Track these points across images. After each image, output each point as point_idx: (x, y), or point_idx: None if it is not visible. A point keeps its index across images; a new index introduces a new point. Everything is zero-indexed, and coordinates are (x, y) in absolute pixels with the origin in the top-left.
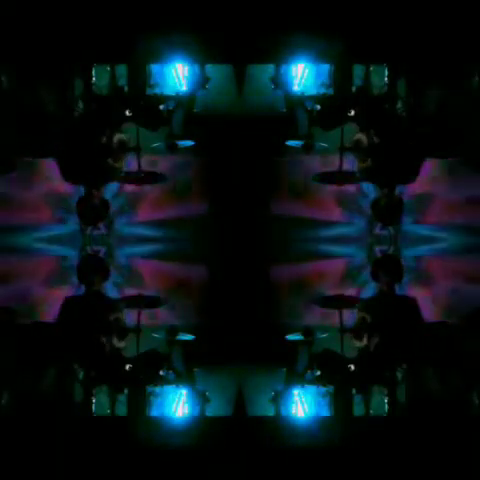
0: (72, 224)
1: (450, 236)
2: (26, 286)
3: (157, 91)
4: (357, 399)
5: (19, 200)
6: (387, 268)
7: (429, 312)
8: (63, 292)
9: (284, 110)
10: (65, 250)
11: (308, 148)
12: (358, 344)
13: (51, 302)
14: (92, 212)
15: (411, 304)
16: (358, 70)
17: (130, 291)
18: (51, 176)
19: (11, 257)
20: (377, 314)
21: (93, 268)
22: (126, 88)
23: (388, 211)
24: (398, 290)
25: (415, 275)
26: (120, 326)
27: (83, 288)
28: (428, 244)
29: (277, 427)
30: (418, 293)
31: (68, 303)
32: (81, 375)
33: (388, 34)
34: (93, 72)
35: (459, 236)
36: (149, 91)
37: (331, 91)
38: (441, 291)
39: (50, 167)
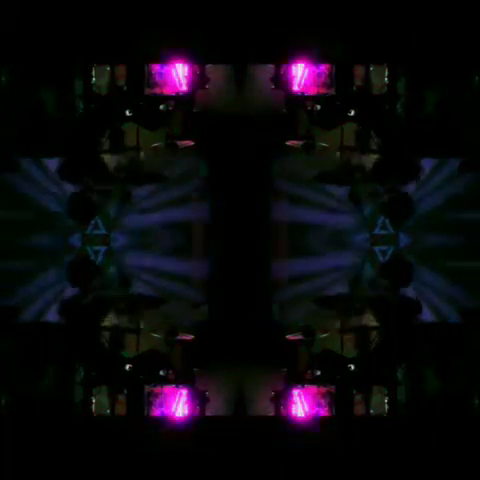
0: (72, 224)
1: (450, 236)
2: (26, 286)
3: (157, 91)
4: (357, 399)
5: (19, 199)
6: (385, 268)
7: (429, 312)
8: (62, 292)
9: (284, 110)
10: (64, 250)
11: (308, 148)
12: (358, 343)
13: (51, 302)
14: (92, 211)
15: (411, 304)
16: (358, 70)
17: (130, 291)
18: (51, 175)
19: (10, 257)
20: (377, 314)
21: (84, 270)
22: (126, 88)
23: (387, 210)
24: (398, 290)
25: (415, 275)
26: (120, 326)
27: (83, 288)
28: (428, 244)
29: (277, 427)
30: (418, 293)
31: (67, 303)
32: (81, 375)
33: (388, 34)
34: (93, 72)
35: (459, 236)
36: (148, 91)
37: (331, 91)
38: (441, 291)
39: (50, 167)
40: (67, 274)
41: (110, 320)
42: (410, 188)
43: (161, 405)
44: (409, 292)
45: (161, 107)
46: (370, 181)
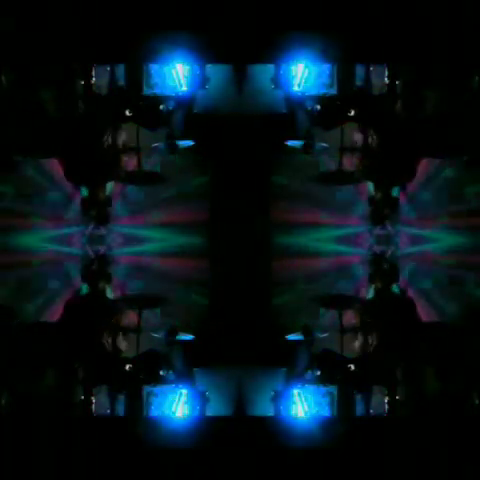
0: (72, 224)
1: (449, 236)
2: (26, 286)
3: (157, 91)
4: (358, 399)
5: (19, 200)
6: (384, 269)
7: (428, 312)
8: (64, 292)
9: (284, 110)
10: (65, 250)
11: (308, 148)
12: (358, 344)
13: (51, 302)
14: (94, 212)
15: (410, 304)
16: (359, 70)
17: (130, 291)
18: (51, 176)
19: (13, 257)
20: (377, 314)
21: (96, 269)
22: (126, 88)
23: (386, 210)
24: (397, 290)
25: (414, 275)
26: (120, 326)
27: (83, 288)
28: (428, 244)
29: (277, 427)
30: (417, 293)
31: (68, 303)
32: (81, 375)
33: (388, 34)
34: (93, 72)
35: (459, 236)
36: (148, 91)
37: (332, 91)
38: (440, 291)
39: (50, 167)
40: (81, 271)
41: (110, 318)
42: (410, 187)
43: (161, 405)
44: (408, 292)
45: (161, 107)
46: (369, 181)
